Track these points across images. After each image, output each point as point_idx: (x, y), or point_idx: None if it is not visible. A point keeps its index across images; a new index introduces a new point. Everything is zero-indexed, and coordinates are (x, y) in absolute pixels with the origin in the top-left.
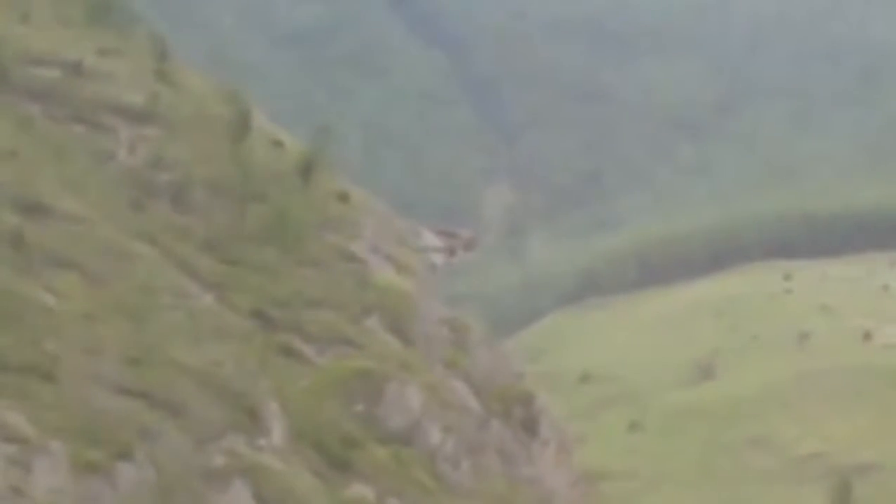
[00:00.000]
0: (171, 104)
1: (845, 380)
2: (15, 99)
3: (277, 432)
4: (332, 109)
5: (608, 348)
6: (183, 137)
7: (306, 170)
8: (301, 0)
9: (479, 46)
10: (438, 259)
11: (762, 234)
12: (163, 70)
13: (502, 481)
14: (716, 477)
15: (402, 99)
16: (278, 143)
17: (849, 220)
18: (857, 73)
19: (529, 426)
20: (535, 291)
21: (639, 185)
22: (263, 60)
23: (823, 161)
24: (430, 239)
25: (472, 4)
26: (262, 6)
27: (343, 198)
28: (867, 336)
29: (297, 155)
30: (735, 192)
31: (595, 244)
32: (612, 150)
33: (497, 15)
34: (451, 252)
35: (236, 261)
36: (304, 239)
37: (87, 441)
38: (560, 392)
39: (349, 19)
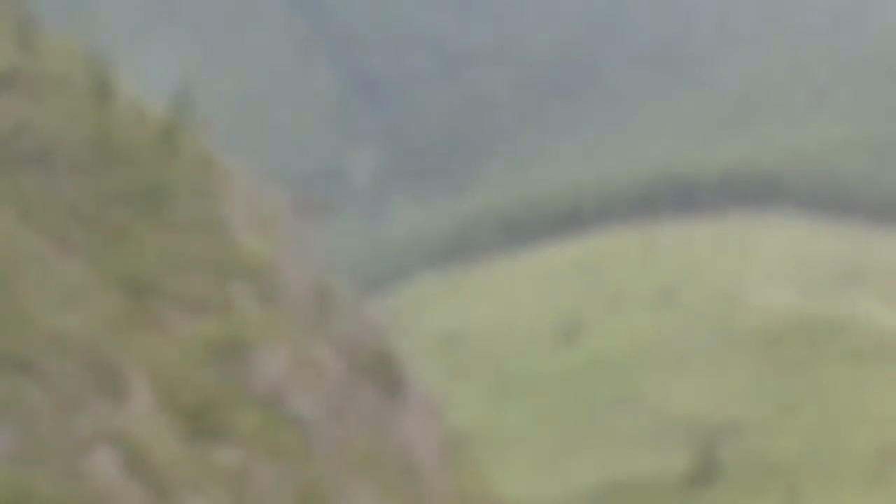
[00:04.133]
0: (33, 70)
1: (711, 340)
2: None
3: (143, 398)
4: (196, 71)
5: (473, 310)
6: (46, 104)
7: (170, 134)
8: None
9: (342, 6)
10: (293, 223)
11: (626, 194)
12: (24, 35)
13: (368, 444)
14: (583, 438)
15: (263, 61)
16: (142, 108)
17: (713, 180)
18: (721, 32)
19: (395, 389)
20: (401, 253)
21: (504, 145)
22: (122, 21)
23: (687, 120)
24: (285, 202)
25: None
26: None
27: (207, 162)
28: (732, 296)
29: (161, 119)
30: (598, 151)
31: (461, 205)
32: (479, 111)
33: None
34: (303, 215)
35: (101, 227)
36: (168, 204)
37: None
38: (426, 354)
39: None
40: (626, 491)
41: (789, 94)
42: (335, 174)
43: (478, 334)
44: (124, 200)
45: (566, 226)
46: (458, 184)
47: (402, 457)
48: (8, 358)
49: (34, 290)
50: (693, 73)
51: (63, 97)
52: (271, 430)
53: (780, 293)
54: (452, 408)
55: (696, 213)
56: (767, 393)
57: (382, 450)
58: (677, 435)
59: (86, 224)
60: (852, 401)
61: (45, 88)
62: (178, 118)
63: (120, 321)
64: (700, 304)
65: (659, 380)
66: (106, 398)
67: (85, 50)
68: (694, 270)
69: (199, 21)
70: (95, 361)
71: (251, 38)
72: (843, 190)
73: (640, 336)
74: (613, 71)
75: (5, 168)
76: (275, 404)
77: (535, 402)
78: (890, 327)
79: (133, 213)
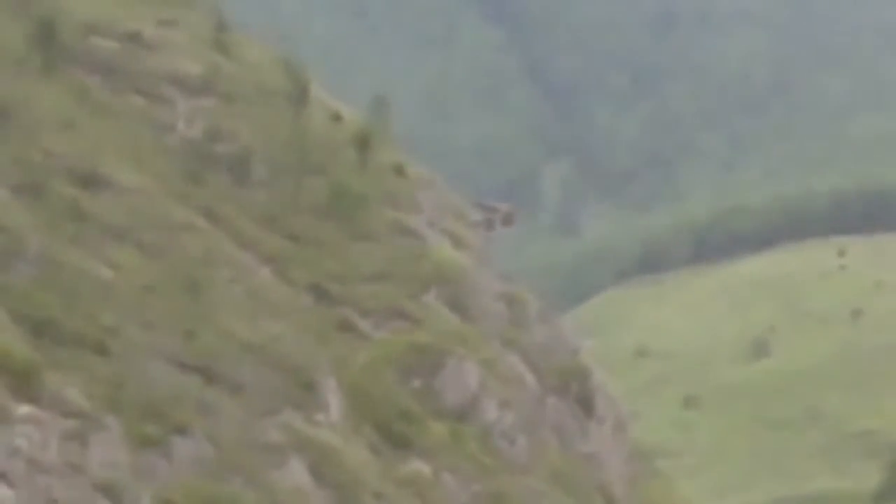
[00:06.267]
0: (229, 75)
1: None
2: (74, 70)
3: (335, 407)
4: (393, 82)
5: (663, 324)
6: (241, 109)
7: (364, 143)
8: None
9: (539, 23)
10: (485, 234)
11: (816, 211)
12: (221, 41)
13: (558, 457)
14: (769, 452)
15: (462, 73)
16: (337, 116)
17: None
18: None
19: (585, 402)
20: (592, 267)
21: (695, 160)
22: (323, 32)
23: (878, 137)
24: (477, 213)
25: None
26: None
27: (400, 171)
28: None
29: (355, 128)
30: (790, 167)
31: (651, 220)
32: (669, 126)
33: None
34: (489, 226)
35: (293, 234)
36: (361, 213)
37: (143, 415)
38: (616, 368)
39: None
40: None
41: None
42: (528, 187)
43: (667, 349)
44: (318, 208)
45: (756, 241)
46: (649, 198)
47: (592, 470)
48: (203, 366)
49: (227, 298)
50: (886, 90)
51: (259, 103)
52: (461, 442)
53: None
54: (643, 422)
55: (887, 230)
56: None
57: (572, 463)
58: (864, 451)
59: (279, 231)
60: None
61: (242, 93)
62: (373, 127)
63: (312, 330)
64: (888, 321)
65: (846, 395)
66: (298, 407)
67: (280, 57)
68: (883, 287)
69: (397, 31)
70: (287, 370)
71: (451, 50)
72: None
73: (828, 352)
74: (800, 86)
75: (201, 173)
76: (467, 416)
77: (724, 416)
78: None
79: (326, 221)
